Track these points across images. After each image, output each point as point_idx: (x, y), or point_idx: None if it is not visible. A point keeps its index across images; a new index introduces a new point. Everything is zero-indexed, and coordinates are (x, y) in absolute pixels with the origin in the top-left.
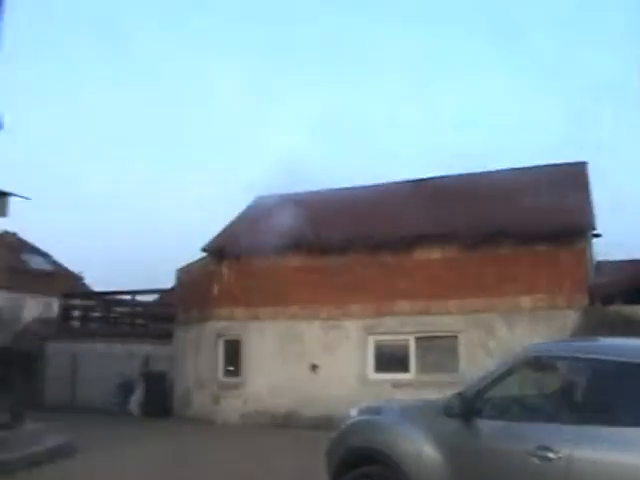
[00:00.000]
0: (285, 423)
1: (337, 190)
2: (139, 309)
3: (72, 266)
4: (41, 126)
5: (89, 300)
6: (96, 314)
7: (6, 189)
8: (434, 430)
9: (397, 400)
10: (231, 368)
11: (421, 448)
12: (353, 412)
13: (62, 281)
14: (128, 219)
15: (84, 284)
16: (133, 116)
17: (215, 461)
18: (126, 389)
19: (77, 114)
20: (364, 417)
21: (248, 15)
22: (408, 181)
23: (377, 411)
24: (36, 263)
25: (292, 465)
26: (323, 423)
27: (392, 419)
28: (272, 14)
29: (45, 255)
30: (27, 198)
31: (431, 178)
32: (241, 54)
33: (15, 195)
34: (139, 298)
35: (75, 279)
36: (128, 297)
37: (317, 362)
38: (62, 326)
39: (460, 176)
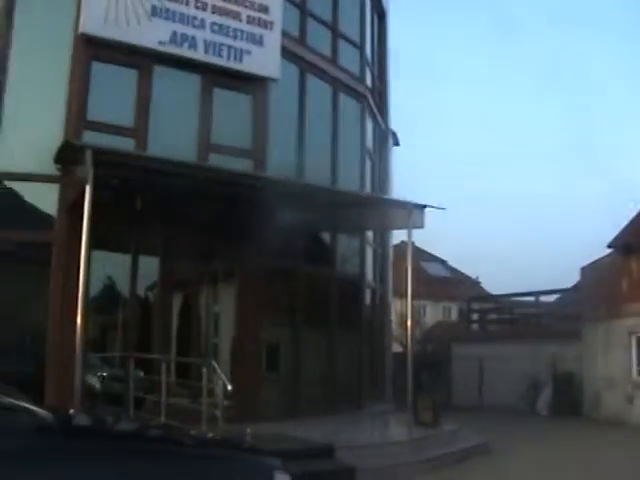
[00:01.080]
0: None
1: None
2: (541, 310)
3: (469, 271)
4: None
5: (489, 303)
6: (495, 316)
7: (422, 202)
8: None
9: None
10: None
11: None
12: None
13: (459, 286)
14: (524, 223)
15: (481, 288)
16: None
17: None
18: (534, 390)
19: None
20: None
21: None
22: None
23: None
24: (434, 270)
25: None
26: None
27: None
28: None
29: (442, 262)
30: (442, 209)
31: None
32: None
33: (430, 207)
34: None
35: (472, 284)
36: (529, 299)
37: None
38: (465, 329)
39: None
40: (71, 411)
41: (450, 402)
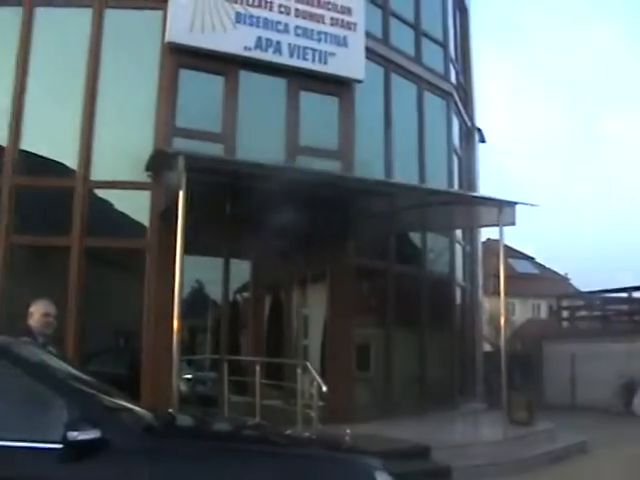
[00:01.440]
0: None
1: None
2: (635, 306)
3: (558, 268)
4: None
5: (580, 300)
6: (586, 313)
7: (513, 199)
8: None
9: None
10: None
11: None
12: None
13: (548, 283)
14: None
15: (570, 285)
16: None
17: None
18: (629, 389)
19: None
20: None
21: None
22: None
23: None
24: (522, 267)
25: None
26: None
27: None
28: None
29: (530, 259)
30: (533, 205)
31: None
32: None
33: (521, 203)
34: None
35: (561, 280)
36: (623, 295)
37: None
38: (556, 327)
39: None
40: (170, 411)
41: (542, 401)
